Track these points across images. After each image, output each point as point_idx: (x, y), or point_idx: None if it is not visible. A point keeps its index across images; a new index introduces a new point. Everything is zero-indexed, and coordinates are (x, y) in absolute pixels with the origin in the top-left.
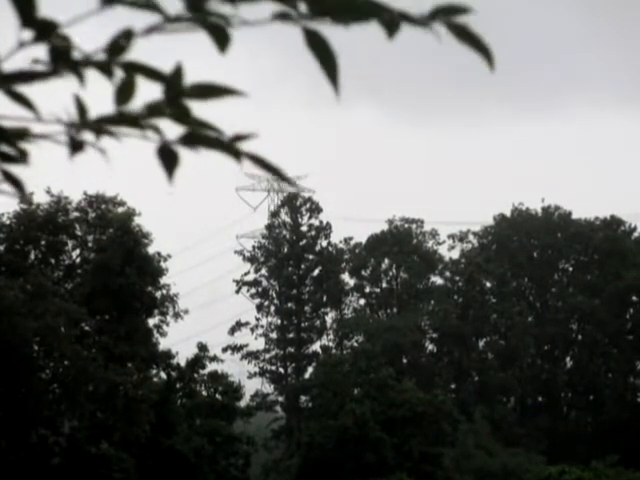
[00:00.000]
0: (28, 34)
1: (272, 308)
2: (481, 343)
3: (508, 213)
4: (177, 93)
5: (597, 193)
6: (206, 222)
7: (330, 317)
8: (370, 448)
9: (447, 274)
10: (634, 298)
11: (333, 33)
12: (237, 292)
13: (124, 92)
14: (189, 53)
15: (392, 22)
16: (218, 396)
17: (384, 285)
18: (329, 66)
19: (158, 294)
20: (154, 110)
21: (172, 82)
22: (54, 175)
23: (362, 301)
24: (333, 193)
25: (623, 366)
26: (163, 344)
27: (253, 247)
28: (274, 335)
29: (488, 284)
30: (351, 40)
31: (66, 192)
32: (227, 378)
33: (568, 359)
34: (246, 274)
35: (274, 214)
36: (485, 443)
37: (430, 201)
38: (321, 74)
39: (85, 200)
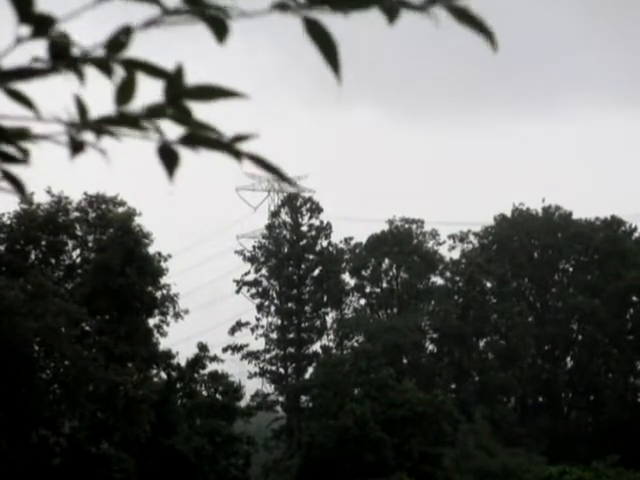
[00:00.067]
0: (26, 30)
1: (272, 308)
2: (481, 343)
3: (508, 213)
4: (178, 94)
5: (597, 193)
6: (206, 222)
7: (330, 317)
8: (370, 448)
9: (447, 274)
10: (634, 298)
11: (333, 33)
12: (237, 292)
13: (125, 91)
14: (189, 54)
15: (392, 8)
16: (218, 396)
17: (384, 285)
18: (330, 55)
19: (158, 294)
20: (155, 111)
21: (174, 79)
22: (54, 175)
23: (362, 301)
24: (333, 193)
25: (623, 366)
26: (163, 344)
27: (253, 247)
28: (274, 335)
29: (488, 284)
30: (351, 40)
31: (66, 192)
32: (227, 378)
33: (568, 359)
34: (246, 274)
35: (274, 214)
36: (485, 443)
37: (430, 201)
38: (321, 74)
39: (85, 200)
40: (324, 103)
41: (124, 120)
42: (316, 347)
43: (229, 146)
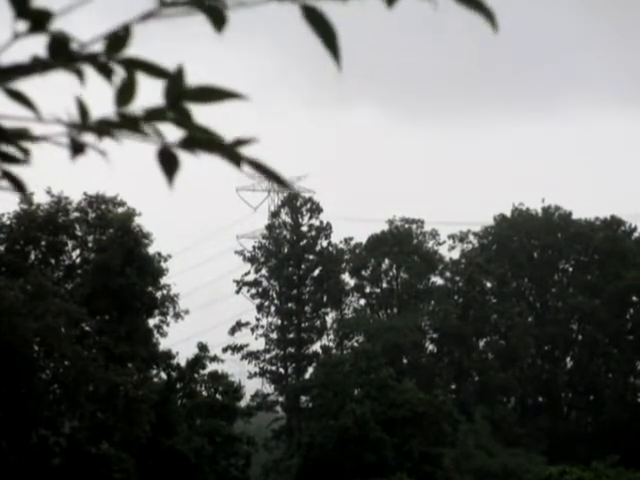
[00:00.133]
0: (23, 25)
1: (272, 308)
2: (481, 343)
3: (508, 213)
4: (178, 95)
5: (597, 193)
6: (206, 222)
7: (330, 317)
8: (370, 448)
9: (447, 274)
10: (634, 298)
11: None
12: (237, 292)
13: (125, 93)
14: (188, 55)
15: None
16: (218, 396)
17: (384, 285)
18: (329, 40)
19: (158, 294)
20: (155, 114)
21: (175, 79)
22: (54, 175)
23: (362, 301)
24: (333, 193)
25: (623, 366)
26: (163, 344)
27: (253, 247)
28: (274, 335)
29: (488, 284)
30: (351, 40)
31: (66, 192)
32: (227, 378)
33: (568, 359)
34: (246, 274)
35: (274, 214)
36: (485, 443)
37: (430, 201)
38: (320, 74)
39: (85, 200)
40: (324, 103)
41: (125, 123)
42: (316, 347)
43: (229, 150)
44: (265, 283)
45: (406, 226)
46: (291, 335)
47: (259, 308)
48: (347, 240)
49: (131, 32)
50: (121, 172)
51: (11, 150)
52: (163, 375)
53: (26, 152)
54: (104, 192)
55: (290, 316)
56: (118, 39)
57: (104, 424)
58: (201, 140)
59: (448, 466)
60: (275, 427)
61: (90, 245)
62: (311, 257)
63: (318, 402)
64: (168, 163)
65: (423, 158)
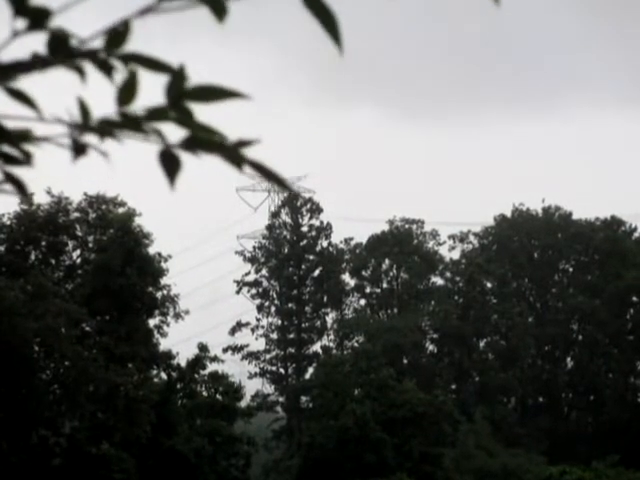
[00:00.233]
0: (22, 23)
1: (273, 308)
2: (482, 344)
3: (508, 213)
4: (180, 94)
5: (597, 193)
6: (207, 222)
7: (331, 317)
8: (370, 448)
9: (447, 274)
10: (634, 298)
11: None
12: (238, 292)
13: (126, 91)
14: (188, 55)
15: None
16: (219, 396)
17: (384, 285)
18: (329, 25)
19: (159, 294)
20: (157, 114)
21: (177, 75)
22: (54, 175)
23: (362, 301)
24: (333, 193)
25: (623, 366)
26: (164, 344)
27: (254, 247)
28: (275, 335)
29: (489, 284)
30: (352, 41)
31: (66, 193)
32: (228, 378)
33: (569, 359)
34: (247, 274)
35: (274, 214)
36: (485, 443)
37: (430, 201)
38: (320, 74)
39: (85, 200)
40: (324, 103)
41: (126, 123)
42: (316, 347)
43: (231, 151)
44: (265, 283)
45: (406, 226)
46: (291, 335)
47: (259, 308)
48: (347, 240)
49: (130, 27)
50: (121, 172)
51: (13, 151)
52: (163, 375)
53: (28, 155)
54: (104, 192)
55: (290, 316)
56: (117, 35)
57: (104, 424)
58: (203, 141)
59: (448, 466)
60: (275, 427)
61: (90, 245)
62: (311, 257)
63: (318, 402)
64: (170, 164)
65: (423, 158)
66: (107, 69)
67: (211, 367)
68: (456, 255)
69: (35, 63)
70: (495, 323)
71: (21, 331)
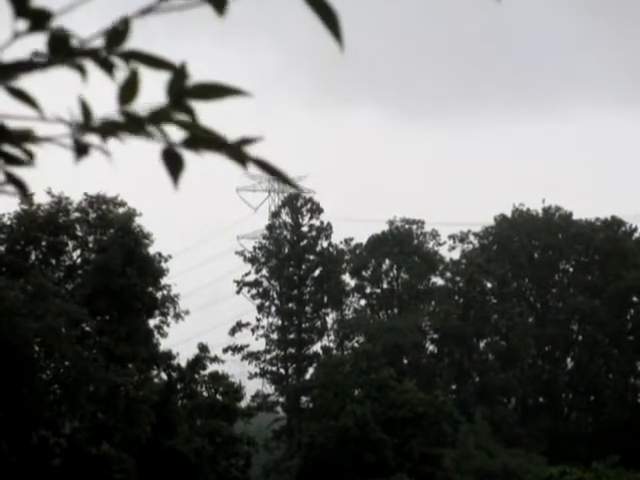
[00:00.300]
0: (23, 24)
1: (273, 309)
2: (482, 344)
3: (509, 214)
4: (181, 92)
5: (598, 193)
6: (207, 223)
7: (331, 318)
8: (371, 449)
9: (448, 275)
10: (634, 299)
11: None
12: (238, 293)
13: (128, 89)
14: (189, 54)
15: None
16: (219, 397)
17: (385, 286)
18: (330, 21)
19: (159, 295)
20: (159, 115)
21: (178, 75)
22: (55, 175)
23: (363, 302)
24: (334, 193)
25: (624, 366)
26: (164, 345)
27: (254, 248)
28: (275, 336)
29: (489, 285)
30: (352, 40)
31: (67, 193)
32: (228, 379)
33: (569, 360)
34: (247, 275)
35: (275, 215)
36: (486, 444)
37: (431, 202)
38: (321, 75)
39: (86, 201)
40: (324, 103)
41: (129, 124)
42: (316, 348)
43: (234, 149)
44: (265, 283)
45: (406, 226)
46: (291, 335)
47: (259, 308)
48: (347, 240)
49: (130, 26)
50: (122, 172)
51: (15, 152)
52: (163, 376)
53: (31, 155)
54: (105, 192)
55: (290, 316)
56: (118, 33)
57: (104, 425)
58: (206, 139)
59: (448, 466)
60: (275, 427)
61: (91, 245)
62: (311, 257)
63: (318, 402)
64: (173, 163)
65: (423, 158)
66: (108, 67)
67: (211, 367)
68: (456, 255)
69: (36, 62)
70: (495, 323)
71: (21, 331)
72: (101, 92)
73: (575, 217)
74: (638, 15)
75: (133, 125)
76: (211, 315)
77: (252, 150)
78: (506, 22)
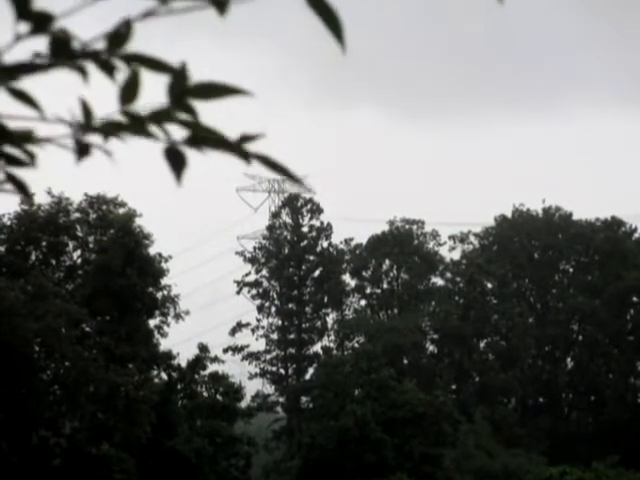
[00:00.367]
0: (24, 27)
1: (273, 309)
2: (482, 344)
3: (509, 214)
4: (183, 92)
5: (598, 194)
6: (207, 223)
7: (331, 318)
8: (371, 449)
9: (448, 275)
10: (635, 299)
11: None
12: (238, 293)
13: (129, 90)
14: (189, 55)
15: None
16: (219, 397)
17: (385, 286)
18: (332, 23)
19: (159, 295)
20: (161, 115)
21: (178, 75)
22: (55, 176)
23: (363, 302)
24: (334, 194)
25: (624, 367)
26: (164, 345)
27: (254, 248)
28: (275, 336)
29: (489, 285)
30: (352, 40)
31: (67, 193)
32: (228, 379)
33: (569, 360)
34: (247, 275)
35: (275, 215)
36: (486, 444)
37: (431, 202)
38: (321, 75)
39: (86, 201)
40: (324, 104)
41: (131, 125)
42: (317, 348)
43: (237, 147)
44: (266, 284)
45: (407, 227)
46: (292, 336)
47: (260, 309)
48: (347, 241)
49: (132, 28)
50: (122, 173)
51: (15, 152)
52: (164, 376)
53: (32, 156)
54: (105, 193)
55: (291, 317)
56: (119, 36)
57: (105, 425)
58: (208, 137)
59: (448, 467)
60: (276, 428)
61: (91, 246)
62: (312, 258)
63: (319, 403)
64: (176, 161)
65: (423, 158)
66: (109, 69)
67: (211, 367)
68: (456, 255)
69: (38, 64)
70: (495, 323)
71: (21, 331)
72: (102, 93)
73: (575, 217)
74: (638, 15)
75: (134, 125)
76: (211, 315)
77: (253, 148)
78: (506, 22)
